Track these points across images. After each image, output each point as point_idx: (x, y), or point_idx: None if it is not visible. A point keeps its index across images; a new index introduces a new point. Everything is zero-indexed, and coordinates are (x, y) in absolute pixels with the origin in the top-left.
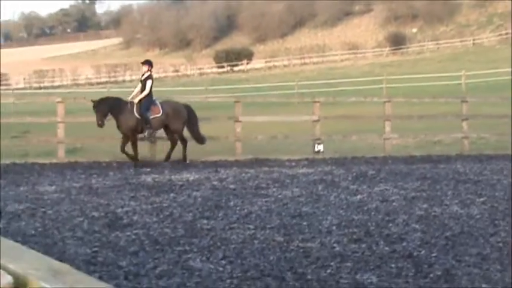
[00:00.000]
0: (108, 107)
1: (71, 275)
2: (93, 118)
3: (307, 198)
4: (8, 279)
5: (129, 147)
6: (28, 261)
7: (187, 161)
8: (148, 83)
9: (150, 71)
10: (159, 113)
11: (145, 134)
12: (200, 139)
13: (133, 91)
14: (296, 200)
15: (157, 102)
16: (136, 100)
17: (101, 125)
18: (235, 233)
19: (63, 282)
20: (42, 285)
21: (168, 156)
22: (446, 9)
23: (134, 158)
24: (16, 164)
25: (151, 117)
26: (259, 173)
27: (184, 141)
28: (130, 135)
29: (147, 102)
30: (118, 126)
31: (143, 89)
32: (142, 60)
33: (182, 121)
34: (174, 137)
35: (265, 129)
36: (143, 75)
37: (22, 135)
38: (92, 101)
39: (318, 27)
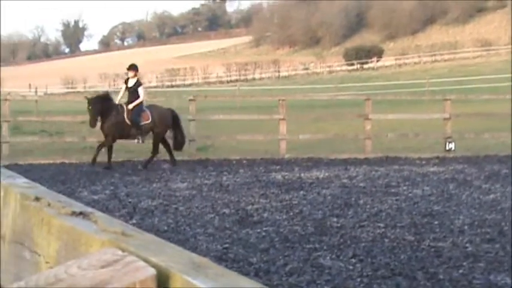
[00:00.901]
0: (101, 106)
1: (212, 268)
2: (224, 116)
3: (438, 197)
4: (151, 271)
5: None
6: (169, 255)
7: (176, 164)
8: (141, 90)
9: (137, 76)
10: (149, 119)
11: (138, 141)
12: (180, 145)
13: (119, 93)
14: (427, 199)
15: (145, 108)
16: (130, 106)
17: (94, 125)
18: (365, 231)
19: (204, 275)
20: (184, 278)
21: (148, 163)
22: None
23: (103, 160)
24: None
25: (142, 123)
26: (389, 171)
27: (167, 145)
28: (112, 139)
29: (139, 109)
30: (104, 128)
31: (134, 96)
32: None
33: (167, 126)
34: (156, 143)
35: (395, 127)
36: (127, 80)
37: None
38: (86, 97)
39: (450, 24)
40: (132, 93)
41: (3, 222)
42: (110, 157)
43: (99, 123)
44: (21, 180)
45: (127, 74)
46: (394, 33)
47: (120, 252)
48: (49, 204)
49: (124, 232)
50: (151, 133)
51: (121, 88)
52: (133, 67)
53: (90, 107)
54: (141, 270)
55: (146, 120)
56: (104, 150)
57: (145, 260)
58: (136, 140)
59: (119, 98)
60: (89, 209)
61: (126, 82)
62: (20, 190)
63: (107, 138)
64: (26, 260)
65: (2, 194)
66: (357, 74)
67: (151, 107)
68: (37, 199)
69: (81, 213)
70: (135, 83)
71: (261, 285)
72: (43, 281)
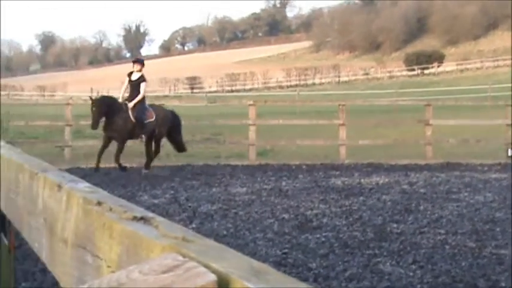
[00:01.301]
0: (106, 108)
1: (272, 274)
2: (284, 121)
3: (500, 203)
4: (212, 277)
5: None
6: (229, 260)
7: (149, 170)
8: (143, 85)
9: (142, 70)
10: (153, 117)
11: (142, 139)
12: (182, 147)
13: (121, 91)
14: (489, 205)
15: (148, 106)
16: (131, 104)
17: (96, 127)
18: (426, 238)
19: (265, 281)
20: (245, 284)
21: (148, 164)
22: None
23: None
24: (209, 165)
25: (146, 121)
26: (450, 177)
27: (158, 150)
28: (121, 141)
29: (142, 106)
30: (110, 130)
31: (136, 91)
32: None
33: (168, 127)
34: (158, 144)
35: (456, 132)
36: (130, 74)
37: (215, 138)
38: (90, 98)
39: None
40: (135, 87)
41: (66, 226)
42: (99, 160)
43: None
44: (83, 185)
45: (133, 66)
46: (456, 39)
47: (181, 258)
48: (111, 209)
49: (185, 237)
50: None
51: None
52: (139, 61)
53: (94, 108)
54: (202, 275)
55: (150, 118)
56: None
57: (206, 266)
58: (140, 139)
59: (122, 91)
60: (150, 214)
61: (129, 75)
62: (82, 195)
63: (106, 141)
64: (88, 263)
65: (64, 198)
66: (418, 79)
67: (153, 106)
68: (99, 204)
69: (142, 218)
70: (139, 78)
71: None
72: (105, 285)
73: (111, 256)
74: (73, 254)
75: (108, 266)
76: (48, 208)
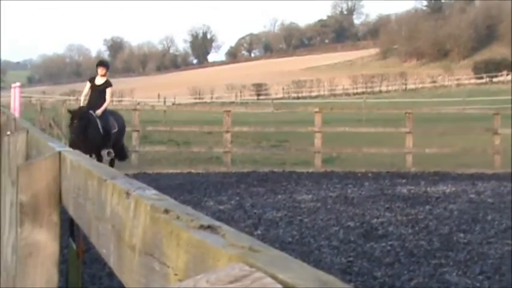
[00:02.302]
0: (86, 121)
1: (339, 286)
2: (350, 128)
3: None
4: None
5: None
6: (296, 271)
7: None
8: (109, 91)
9: (107, 75)
10: (116, 127)
11: (110, 154)
12: (125, 155)
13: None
14: None
15: (108, 114)
16: (99, 112)
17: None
18: (493, 248)
19: None
20: None
21: None
22: None
23: None
24: (274, 172)
25: (112, 132)
26: None
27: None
28: (97, 155)
29: (107, 115)
30: (81, 144)
31: (101, 97)
32: None
33: (124, 132)
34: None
35: None
36: (93, 79)
37: (280, 144)
38: (69, 111)
39: None
40: (99, 93)
41: (134, 233)
42: None
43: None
44: (151, 192)
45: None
46: None
47: (247, 268)
48: (178, 217)
49: (251, 247)
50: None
51: (86, 86)
52: (104, 63)
53: (75, 122)
54: (269, 286)
55: (114, 128)
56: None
57: (273, 276)
58: (107, 153)
59: (83, 96)
60: (217, 223)
61: (91, 81)
62: (150, 202)
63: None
64: (155, 271)
65: (132, 205)
66: (486, 87)
67: (112, 114)
68: (166, 211)
69: (209, 226)
70: (104, 82)
71: None
72: None
73: (178, 264)
74: (141, 261)
75: (175, 274)
76: (116, 215)
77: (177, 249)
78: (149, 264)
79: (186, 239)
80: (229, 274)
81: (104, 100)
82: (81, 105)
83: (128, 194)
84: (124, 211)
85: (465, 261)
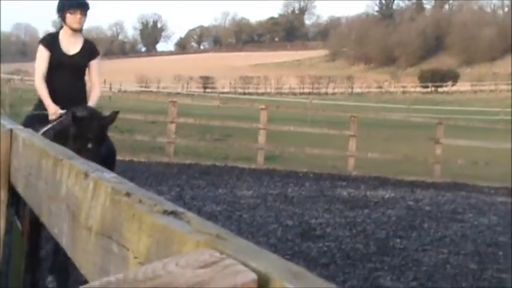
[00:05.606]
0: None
1: (309, 277)
2: (294, 127)
3: (505, 227)
4: (252, 276)
5: None
6: (267, 260)
7: None
8: (97, 65)
9: None
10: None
11: None
12: None
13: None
14: (493, 229)
15: None
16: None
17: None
18: (428, 255)
19: (303, 283)
20: (285, 285)
21: None
22: None
23: None
24: (216, 166)
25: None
26: (457, 197)
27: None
28: None
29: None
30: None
31: (77, 79)
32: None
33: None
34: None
35: (466, 153)
36: (54, 43)
37: (224, 138)
38: (75, 117)
39: None
40: (74, 72)
41: (91, 214)
42: None
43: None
44: (110, 175)
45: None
46: (472, 59)
47: (218, 254)
48: (140, 201)
49: (219, 235)
50: None
51: None
52: (83, 3)
53: (89, 145)
54: (241, 273)
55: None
56: None
57: (245, 264)
58: None
59: (40, 77)
60: (180, 209)
61: (53, 46)
62: (110, 184)
63: None
64: (113, 252)
65: (91, 186)
66: (431, 96)
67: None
68: (128, 194)
69: (172, 212)
70: (86, 49)
71: None
72: (141, 276)
73: (139, 248)
74: (97, 242)
75: (135, 257)
76: (72, 195)
77: (139, 233)
78: (106, 246)
79: (150, 223)
80: (198, 259)
81: (82, 87)
82: (43, 95)
83: (86, 175)
84: (81, 192)
85: (400, 267)
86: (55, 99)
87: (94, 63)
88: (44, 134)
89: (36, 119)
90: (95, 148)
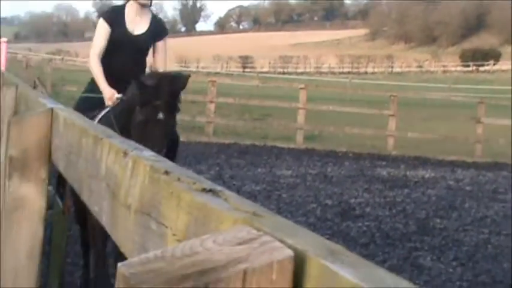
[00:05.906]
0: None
1: (348, 256)
2: (333, 107)
3: None
4: (289, 252)
5: None
6: (304, 238)
7: None
8: (163, 44)
9: None
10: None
11: None
12: None
13: None
14: None
15: None
16: None
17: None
18: (469, 236)
19: (341, 261)
20: (321, 263)
21: None
22: None
23: None
24: (256, 145)
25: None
26: (498, 177)
27: None
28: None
29: None
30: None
31: (139, 59)
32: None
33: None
34: None
35: (507, 133)
36: (117, 21)
37: (263, 118)
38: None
39: None
40: (137, 52)
41: (131, 192)
42: None
43: None
44: (149, 153)
45: None
46: None
47: (255, 231)
48: (179, 179)
49: (255, 212)
50: None
51: None
52: None
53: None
54: (278, 250)
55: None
56: None
57: (281, 241)
58: None
59: (96, 53)
60: (219, 187)
61: (115, 23)
62: (149, 163)
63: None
64: (151, 230)
65: (130, 165)
66: (472, 75)
67: None
68: (167, 173)
69: (211, 190)
70: (154, 28)
71: (396, 277)
72: (179, 252)
73: (178, 225)
74: (136, 220)
75: (174, 234)
76: (111, 173)
77: (177, 210)
78: (145, 223)
79: (188, 200)
80: (236, 236)
81: (142, 71)
82: (98, 76)
83: (125, 153)
84: (121, 170)
85: (440, 247)
86: (110, 83)
87: (160, 45)
88: (101, 120)
89: (90, 103)
90: (166, 118)
